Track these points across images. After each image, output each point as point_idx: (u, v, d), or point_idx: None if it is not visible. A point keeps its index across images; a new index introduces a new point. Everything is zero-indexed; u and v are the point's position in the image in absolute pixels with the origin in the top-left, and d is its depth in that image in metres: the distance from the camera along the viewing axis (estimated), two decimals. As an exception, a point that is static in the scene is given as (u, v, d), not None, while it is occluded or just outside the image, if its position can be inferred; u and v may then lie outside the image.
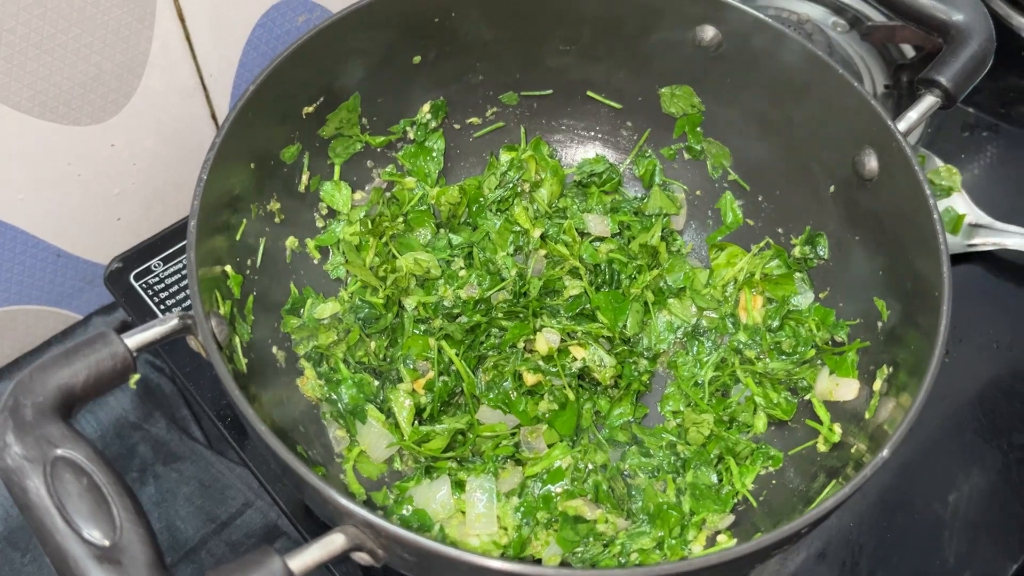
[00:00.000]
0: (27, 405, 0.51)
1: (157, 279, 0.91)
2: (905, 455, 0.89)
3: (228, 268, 0.71)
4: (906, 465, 0.88)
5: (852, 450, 0.70)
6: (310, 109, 0.79)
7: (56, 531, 0.47)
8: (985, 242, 1.01)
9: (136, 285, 0.90)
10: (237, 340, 0.69)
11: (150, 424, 0.91)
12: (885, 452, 0.57)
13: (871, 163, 0.75)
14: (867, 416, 0.72)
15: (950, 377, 0.92)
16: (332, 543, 0.52)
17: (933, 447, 0.90)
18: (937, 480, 0.88)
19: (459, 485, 0.74)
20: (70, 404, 0.53)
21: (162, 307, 0.89)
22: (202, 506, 0.86)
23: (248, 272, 0.75)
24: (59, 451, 0.50)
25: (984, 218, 1.02)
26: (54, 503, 0.48)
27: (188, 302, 0.90)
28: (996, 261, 1.02)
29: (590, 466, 0.76)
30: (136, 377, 0.57)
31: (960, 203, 1.02)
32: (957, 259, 1.01)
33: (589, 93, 0.92)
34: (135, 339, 0.57)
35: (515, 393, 0.80)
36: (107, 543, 0.48)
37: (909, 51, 1.13)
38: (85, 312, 0.98)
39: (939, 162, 1.05)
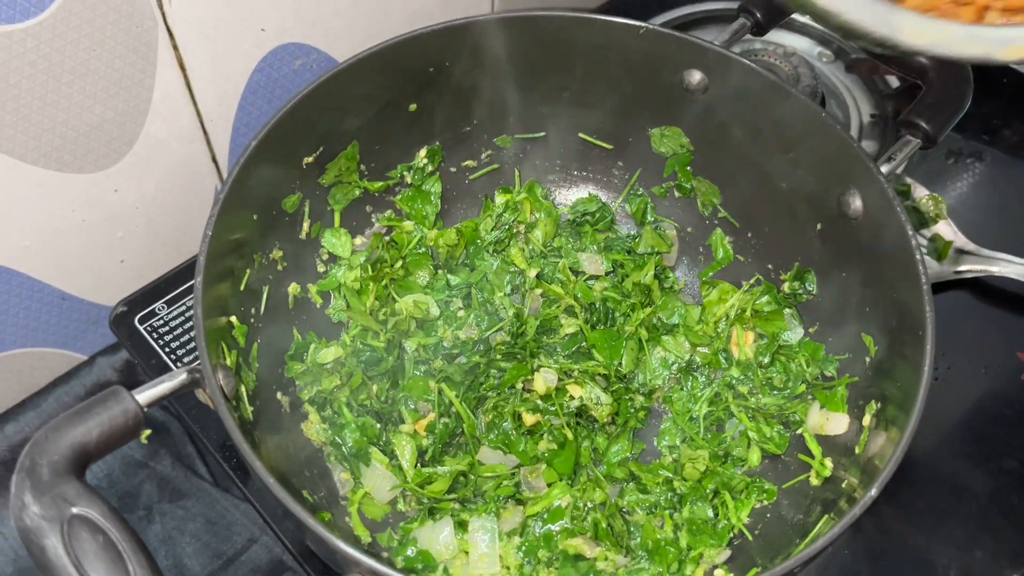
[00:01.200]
0: (43, 465, 0.53)
1: (161, 322, 0.92)
2: (894, 482, 0.90)
3: (233, 319, 0.73)
4: (896, 492, 0.88)
5: (844, 484, 0.72)
6: (310, 159, 0.81)
7: (74, 589, 0.49)
8: (972, 269, 1.02)
9: (141, 328, 0.92)
10: (243, 388, 0.71)
11: (156, 462, 0.92)
12: (873, 491, 0.59)
13: (855, 203, 0.77)
14: (857, 451, 0.74)
15: (939, 401, 0.92)
16: (342, 591, 0.54)
17: (923, 473, 0.90)
18: (928, 506, 0.89)
19: (462, 525, 0.76)
20: (84, 462, 0.55)
21: (166, 349, 0.91)
22: (208, 543, 0.87)
23: (252, 320, 0.77)
24: (75, 509, 0.52)
25: (970, 245, 1.03)
26: (72, 561, 0.50)
27: (192, 344, 0.91)
28: (983, 287, 1.03)
29: (589, 504, 0.78)
30: (147, 432, 0.59)
31: (946, 230, 1.04)
32: (944, 286, 1.02)
33: (581, 135, 0.94)
34: (145, 395, 0.59)
35: (515, 433, 0.82)
36: (124, 600, 0.50)
37: (894, 81, 1.15)
38: (89, 352, 0.99)
39: (924, 191, 1.06)
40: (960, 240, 1.03)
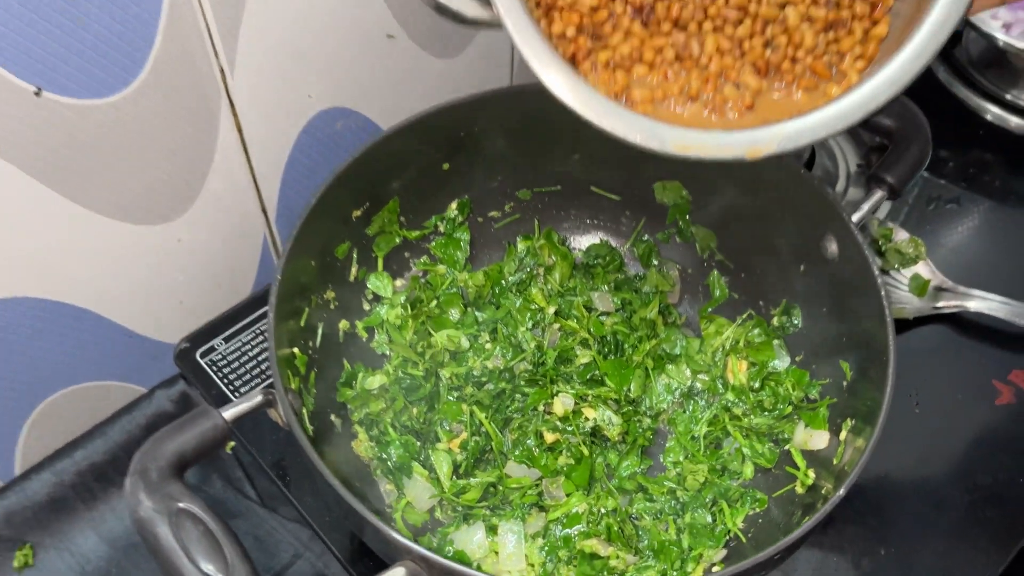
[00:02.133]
0: (152, 468, 0.63)
1: (220, 356, 0.99)
2: (881, 502, 0.95)
3: (295, 350, 0.80)
4: (881, 506, 0.95)
5: (823, 491, 0.79)
6: (358, 213, 0.88)
7: (184, 567, 0.59)
8: (949, 304, 1.07)
9: (202, 362, 0.99)
10: (304, 411, 0.79)
11: (208, 486, 0.97)
12: (842, 491, 0.67)
13: (832, 247, 0.84)
14: (835, 462, 0.79)
15: (919, 425, 0.99)
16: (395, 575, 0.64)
17: (907, 493, 0.96)
18: (910, 518, 0.94)
19: (492, 529, 0.82)
20: (183, 466, 0.65)
21: (224, 381, 0.98)
22: (257, 559, 0.85)
23: (311, 352, 0.83)
24: (180, 504, 0.62)
25: (947, 283, 1.08)
26: (180, 546, 0.60)
27: (247, 375, 0.98)
28: (960, 321, 1.08)
29: (603, 510, 0.85)
30: (232, 444, 0.69)
31: (925, 270, 1.09)
32: (924, 320, 1.07)
33: (592, 188, 1.00)
34: (230, 412, 0.69)
35: (537, 450, 0.89)
36: (222, 576, 0.60)
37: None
38: (149, 385, 1.04)
39: (905, 234, 1.11)
40: (938, 278, 1.09)
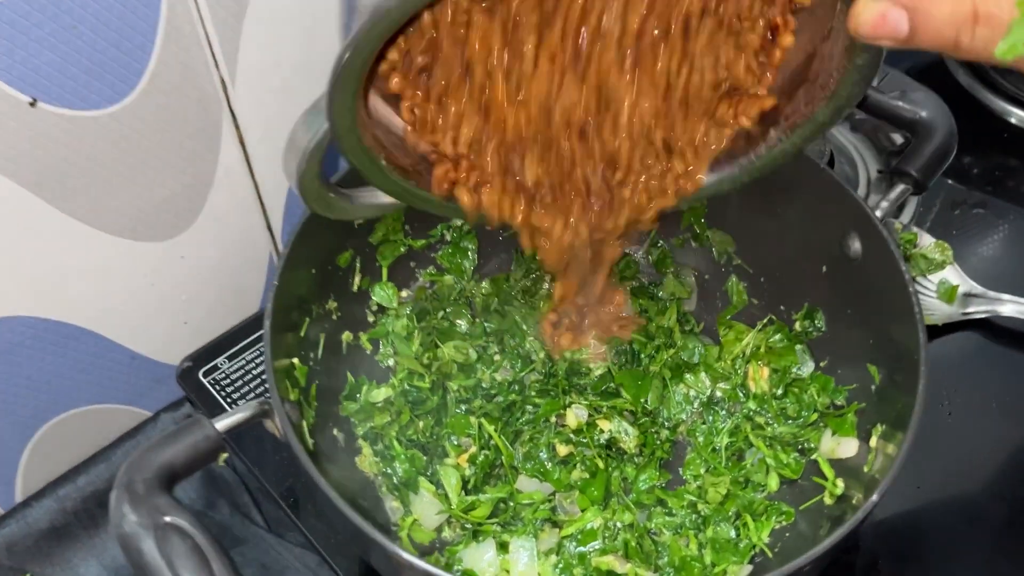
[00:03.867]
0: (138, 481, 0.60)
1: (223, 375, 0.97)
2: (915, 514, 0.92)
3: (295, 361, 0.79)
4: (915, 523, 0.91)
5: (853, 500, 0.76)
6: (361, 220, 0.86)
7: (168, 584, 0.57)
8: (979, 310, 1.04)
9: (205, 381, 0.97)
10: (304, 424, 0.77)
11: (214, 512, 0.95)
12: (875, 496, 0.64)
13: (855, 245, 0.81)
14: (865, 470, 0.76)
15: (952, 436, 0.95)
16: (397, 594, 0.60)
17: (940, 506, 0.92)
18: (945, 534, 0.91)
19: (503, 547, 0.79)
20: (173, 479, 0.62)
21: (228, 400, 0.96)
22: None
23: (311, 364, 0.81)
24: (166, 518, 0.59)
25: (976, 288, 1.05)
26: (165, 561, 0.57)
27: (251, 394, 0.96)
28: (991, 327, 1.05)
29: (619, 525, 0.82)
30: (224, 456, 0.66)
31: (953, 275, 1.06)
32: (954, 327, 1.04)
33: None
34: (223, 423, 0.66)
35: (550, 463, 0.86)
36: (209, 594, 0.57)
37: (898, 138, 1.18)
38: (154, 409, 1.03)
39: (931, 238, 1.07)
40: (967, 284, 1.06)
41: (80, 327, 0.89)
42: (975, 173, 1.25)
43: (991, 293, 1.06)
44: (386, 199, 0.63)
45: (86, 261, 0.83)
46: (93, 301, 0.89)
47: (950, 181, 1.22)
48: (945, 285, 1.06)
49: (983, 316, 1.05)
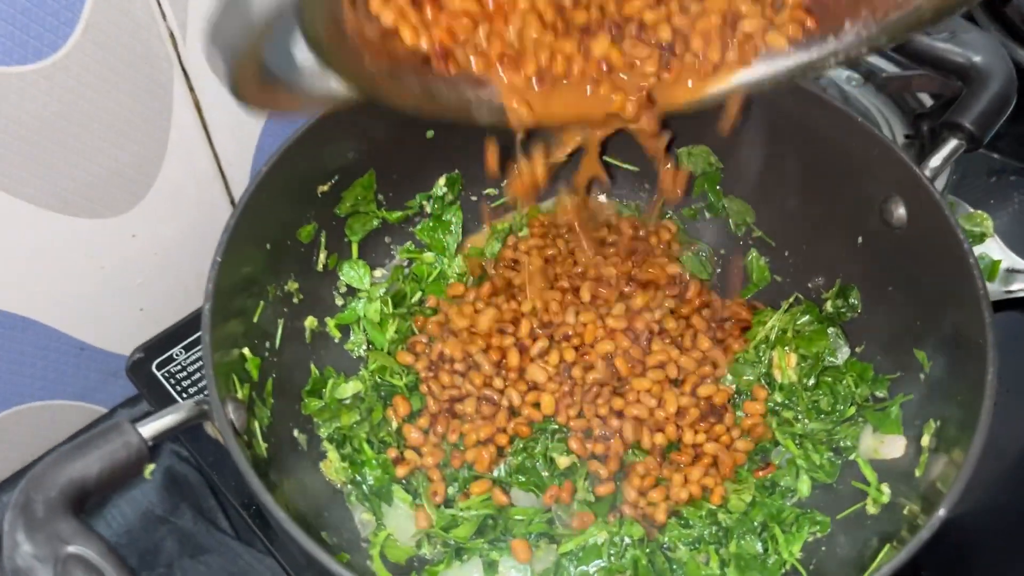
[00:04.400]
0: (38, 501, 0.51)
1: (179, 367, 0.90)
2: (959, 517, 0.85)
3: (246, 351, 0.71)
4: (960, 524, 0.82)
5: (905, 511, 0.68)
6: (325, 188, 0.80)
7: (66, 635, 0.46)
8: None
9: (158, 374, 0.90)
10: (256, 424, 0.68)
11: (176, 516, 0.90)
12: (941, 512, 0.54)
13: (899, 211, 0.75)
14: (917, 474, 0.69)
15: (1002, 428, 0.87)
16: (357, 635, 0.50)
17: (988, 504, 0.86)
18: (995, 538, 0.84)
19: (491, 566, 0.73)
20: (83, 498, 0.53)
21: (184, 395, 0.89)
22: None
23: (267, 354, 0.75)
24: (70, 548, 0.49)
25: (1020, 263, 1.00)
26: None
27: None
28: None
29: (627, 540, 0.74)
30: (151, 467, 0.56)
31: (994, 249, 1.00)
32: (996, 306, 0.95)
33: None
34: (150, 428, 0.57)
35: (548, 475, 0.78)
36: (120, 647, 0.46)
37: (927, 100, 1.12)
38: (110, 405, 0.98)
39: (969, 208, 1.03)
40: (1010, 259, 1.00)
41: (20, 315, 0.84)
42: (1010, 139, 1.13)
43: (1037, 269, 1.00)
44: (340, 87, 0.57)
45: (22, 241, 0.80)
46: (33, 287, 0.83)
47: (981, 150, 1.13)
48: (985, 260, 0.99)
49: None
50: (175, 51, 0.79)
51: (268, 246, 0.75)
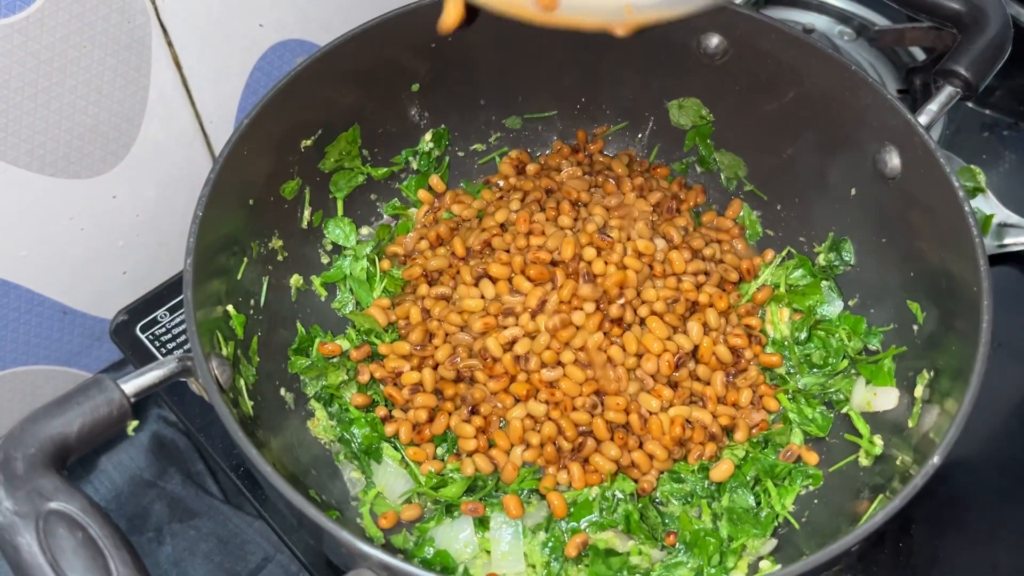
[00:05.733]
0: (18, 458, 0.50)
1: (164, 330, 0.89)
2: (951, 468, 0.84)
3: (230, 308, 0.70)
4: (953, 478, 0.83)
5: (897, 462, 0.67)
6: (308, 142, 0.79)
7: (49, 590, 0.45)
8: (1016, 242, 0.97)
9: (143, 337, 0.89)
10: (242, 382, 0.67)
11: (165, 481, 0.89)
12: (936, 459, 0.54)
13: (893, 161, 0.74)
14: (910, 425, 0.69)
15: (993, 383, 0.85)
16: (346, 589, 0.49)
17: (980, 458, 0.85)
18: (987, 492, 0.83)
19: (483, 522, 0.71)
20: (64, 455, 0.52)
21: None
22: (221, 563, 0.84)
23: (252, 312, 0.74)
24: (52, 504, 0.48)
25: (1012, 217, 0.99)
26: (47, 560, 0.46)
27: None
28: None
29: (619, 495, 0.73)
30: (134, 424, 0.55)
31: (987, 204, 0.99)
32: (989, 261, 0.98)
33: (595, 130, 0.91)
34: (132, 384, 0.56)
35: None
36: (104, 600, 0.46)
37: (919, 54, 1.11)
38: (94, 370, 0.97)
39: (960, 162, 1.02)
40: (1002, 213, 0.99)
41: (1, 279, 0.83)
42: (1004, 93, 1.15)
43: (1030, 223, 0.99)
44: None
45: (3, 203, 0.78)
46: (12, 249, 0.82)
47: (971, 105, 1.14)
48: (979, 215, 0.98)
49: (1022, 248, 0.98)
50: (152, 4, 0.77)
51: (251, 202, 0.73)
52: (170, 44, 0.81)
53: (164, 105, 0.84)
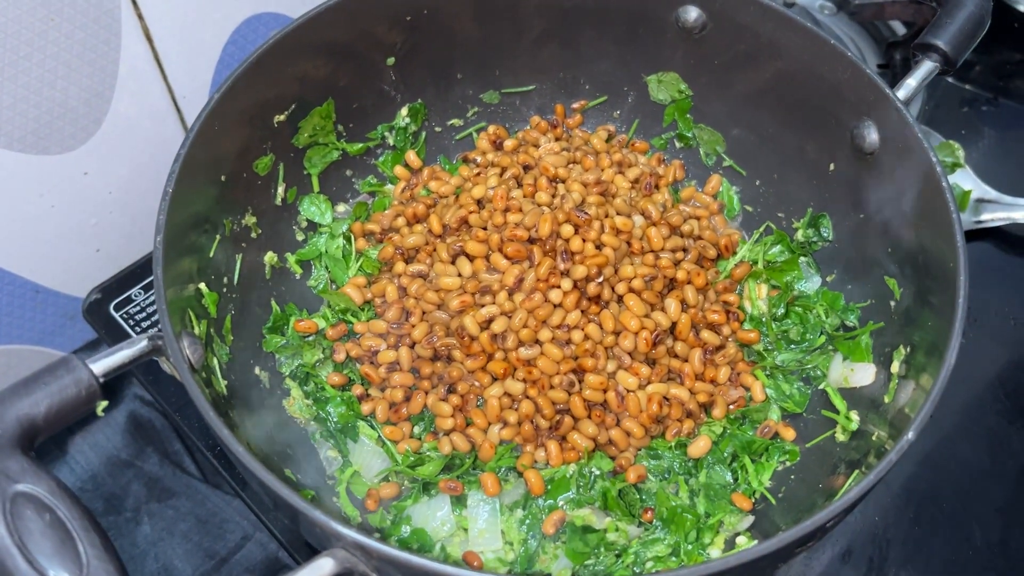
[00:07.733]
0: None
1: (138, 308, 0.88)
2: (927, 444, 0.86)
3: (202, 286, 0.69)
4: (929, 454, 0.85)
5: (873, 438, 0.67)
6: (282, 117, 0.78)
7: (18, 572, 0.44)
8: (994, 217, 0.98)
9: (116, 316, 0.88)
10: (215, 361, 0.66)
11: (142, 460, 0.89)
12: (911, 434, 0.53)
13: (871, 136, 0.73)
14: (886, 400, 0.69)
15: (968, 359, 0.86)
16: (320, 569, 0.49)
17: (956, 433, 0.86)
18: (962, 467, 0.84)
19: (460, 501, 0.71)
20: (32, 436, 0.51)
21: None
22: (200, 543, 0.84)
23: (225, 290, 0.73)
24: (19, 487, 0.47)
25: (991, 193, 0.99)
26: (15, 542, 0.45)
27: None
28: (1006, 236, 0.99)
29: (596, 472, 0.73)
30: (104, 404, 0.54)
31: (965, 179, 1.00)
32: (966, 237, 0.98)
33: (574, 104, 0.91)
34: (101, 364, 0.55)
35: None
36: (73, 583, 0.45)
37: (900, 28, 1.11)
38: (69, 350, 0.96)
39: (939, 138, 1.03)
40: (980, 189, 1.00)
41: None
42: (984, 68, 1.17)
43: (1007, 198, 0.99)
44: None
45: None
46: None
47: (950, 80, 1.16)
48: (957, 191, 0.99)
49: (999, 224, 0.98)
50: (120, -25, 0.75)
51: (223, 178, 0.72)
52: (141, 17, 0.79)
53: (135, 80, 0.83)
